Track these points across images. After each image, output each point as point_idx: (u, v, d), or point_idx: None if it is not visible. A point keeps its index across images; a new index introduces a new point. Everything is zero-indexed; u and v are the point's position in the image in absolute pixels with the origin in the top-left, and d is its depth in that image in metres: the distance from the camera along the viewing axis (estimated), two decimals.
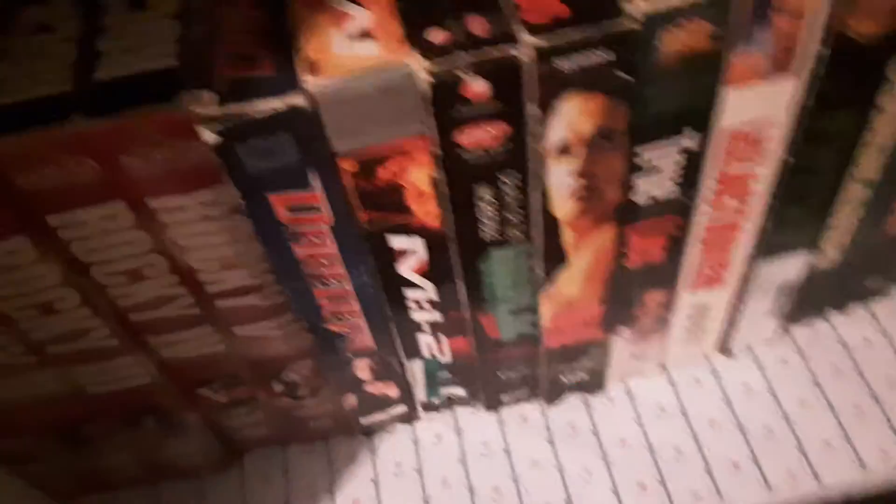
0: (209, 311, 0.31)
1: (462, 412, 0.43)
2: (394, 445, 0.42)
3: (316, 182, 0.26)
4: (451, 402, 0.41)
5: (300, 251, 0.28)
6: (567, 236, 0.30)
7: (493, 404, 0.42)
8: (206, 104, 0.23)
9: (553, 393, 0.41)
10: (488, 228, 0.29)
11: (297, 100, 0.23)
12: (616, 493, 0.39)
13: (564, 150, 0.26)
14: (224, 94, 0.23)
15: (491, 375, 0.39)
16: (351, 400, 0.39)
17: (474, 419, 0.42)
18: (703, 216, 0.32)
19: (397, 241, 0.29)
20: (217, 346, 0.33)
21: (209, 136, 0.23)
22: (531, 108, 0.25)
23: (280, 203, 0.26)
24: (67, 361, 0.31)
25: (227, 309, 0.31)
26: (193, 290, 0.30)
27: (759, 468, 0.39)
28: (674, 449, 0.40)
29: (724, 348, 0.42)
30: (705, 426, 0.41)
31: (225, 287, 0.30)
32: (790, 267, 0.37)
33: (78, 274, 0.28)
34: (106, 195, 0.25)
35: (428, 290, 0.32)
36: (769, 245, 0.35)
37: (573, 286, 0.33)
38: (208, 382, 0.36)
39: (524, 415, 0.42)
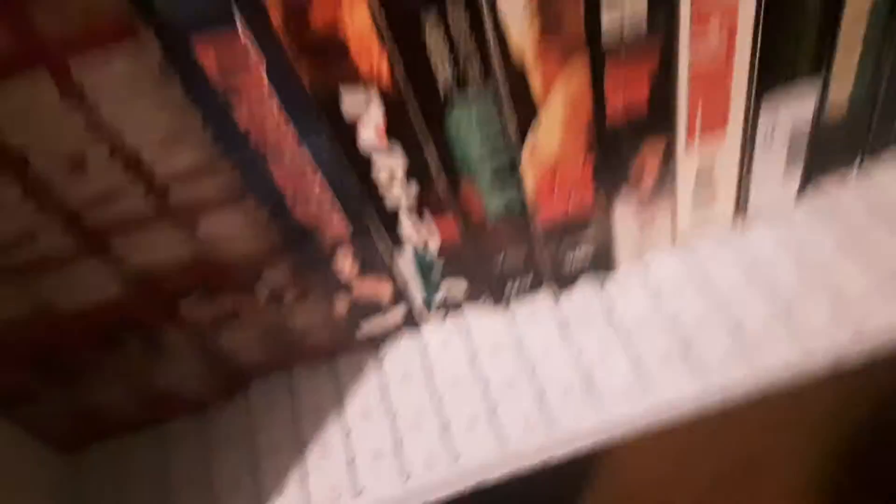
0: (164, 204, 0.29)
1: (468, 312, 0.40)
2: (400, 354, 0.40)
3: (240, 23, 0.23)
4: (454, 301, 0.39)
5: (241, 115, 0.26)
6: (534, 79, 0.27)
7: (498, 297, 0.39)
8: None
9: (560, 276, 0.38)
10: (443, 75, 0.26)
11: None
12: (637, 366, 0.36)
13: None
14: None
15: (487, 263, 0.36)
16: (342, 304, 0.36)
17: (481, 319, 0.40)
18: (685, 43, 0.29)
19: (349, 103, 0.27)
20: (182, 248, 0.32)
21: None
22: None
23: (206, 52, 0.24)
24: (24, 271, 0.30)
25: (182, 201, 0.29)
26: (141, 176, 0.28)
27: (792, 323, 0.36)
28: (694, 317, 0.37)
29: (741, 216, 0.39)
30: (729, 292, 0.37)
31: (172, 170, 0.28)
32: (797, 104, 0.33)
33: (14, 164, 0.26)
34: (25, 61, 0.23)
35: (396, 156, 0.30)
36: (769, 76, 0.31)
37: (552, 141, 0.30)
38: (185, 294, 0.34)
39: (533, 307, 0.40)
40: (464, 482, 0.36)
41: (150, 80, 0.25)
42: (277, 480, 0.37)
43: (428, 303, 0.39)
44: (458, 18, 0.25)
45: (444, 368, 0.39)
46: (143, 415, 0.39)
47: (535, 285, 0.39)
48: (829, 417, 0.51)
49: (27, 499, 0.37)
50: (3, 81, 0.24)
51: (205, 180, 0.29)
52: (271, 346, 0.39)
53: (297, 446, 0.38)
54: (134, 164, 0.27)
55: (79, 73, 0.24)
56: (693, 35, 0.28)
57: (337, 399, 0.39)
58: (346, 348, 0.40)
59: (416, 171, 0.30)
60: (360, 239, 0.33)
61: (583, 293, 0.39)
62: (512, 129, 0.29)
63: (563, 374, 0.37)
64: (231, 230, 0.31)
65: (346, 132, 0.28)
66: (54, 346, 0.34)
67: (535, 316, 0.39)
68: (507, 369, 0.38)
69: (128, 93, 0.25)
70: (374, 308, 0.38)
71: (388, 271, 0.36)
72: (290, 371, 0.41)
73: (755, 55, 0.30)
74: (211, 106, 0.25)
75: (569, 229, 0.35)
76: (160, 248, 0.31)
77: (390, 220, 0.33)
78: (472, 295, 0.39)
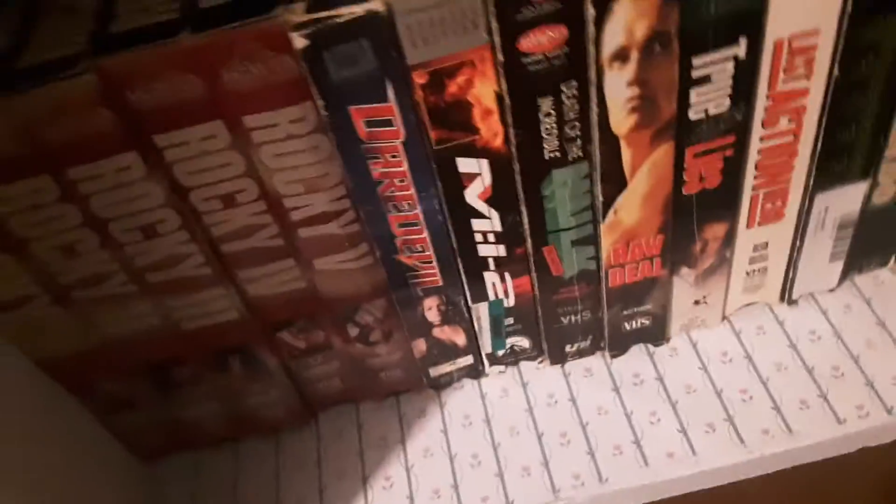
0: (292, 241, 0.34)
1: (526, 367, 0.44)
2: (461, 399, 0.43)
3: (391, 94, 0.28)
4: (515, 354, 0.43)
5: (376, 169, 0.31)
6: (625, 155, 0.32)
7: (557, 356, 0.43)
8: (297, 12, 0.25)
9: (616, 342, 0.42)
10: (549, 146, 0.31)
11: (375, 5, 0.25)
12: (684, 432, 0.39)
13: (620, 56, 0.28)
14: (312, 3, 0.26)
15: (553, 320, 0.40)
16: (421, 346, 0.40)
17: (539, 373, 0.43)
18: (757, 136, 0.33)
19: (464, 165, 0.32)
20: (297, 283, 0.36)
21: (299, 40, 0.25)
22: (588, 9, 0.27)
23: (359, 116, 0.28)
24: (164, 291, 0.34)
25: (308, 239, 0.34)
26: (278, 217, 0.33)
27: (829, 404, 0.39)
28: (741, 392, 0.40)
29: (787, 297, 0.43)
30: (771, 370, 0.41)
31: (307, 213, 0.32)
32: (847, 199, 0.38)
33: (179, 197, 0.31)
34: (207, 114, 0.28)
35: (493, 219, 0.34)
36: (825, 174, 0.36)
37: (632, 212, 0.34)
38: (288, 324, 0.38)
39: (588, 367, 0.43)
40: None
41: (308, 133, 0.29)
42: (336, 495, 0.40)
43: (493, 356, 0.42)
44: (571, 103, 0.30)
45: (502, 417, 0.42)
46: (225, 432, 0.43)
47: (592, 349, 0.43)
48: (866, 491, 0.53)
49: (104, 492, 0.40)
50: (187, 128, 0.29)
51: (331, 224, 0.33)
52: (348, 379, 0.42)
53: (361, 476, 0.41)
54: (276, 206, 0.32)
55: (250, 123, 0.29)
56: (764, 130, 0.33)
57: (400, 435, 0.43)
58: (412, 388, 0.44)
59: (507, 231, 0.35)
60: (449, 289, 0.37)
61: (634, 359, 0.43)
62: (599, 198, 0.33)
63: (614, 432, 0.40)
64: (343, 269, 0.35)
65: (455, 192, 0.33)
66: (169, 360, 0.37)
67: (589, 377, 0.43)
68: (562, 423, 0.41)
69: (286, 143, 0.30)
70: (446, 354, 0.41)
71: (467, 322, 0.39)
72: (358, 404, 0.44)
73: (815, 155, 0.34)
74: (355, 158, 0.30)
75: (631, 298, 0.39)
76: (278, 282, 0.35)
77: (476, 276, 0.37)
78: (534, 352, 0.43)
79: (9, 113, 0.26)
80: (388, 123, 0.29)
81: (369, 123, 0.29)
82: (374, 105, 0.28)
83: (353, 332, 0.39)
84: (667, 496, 0.38)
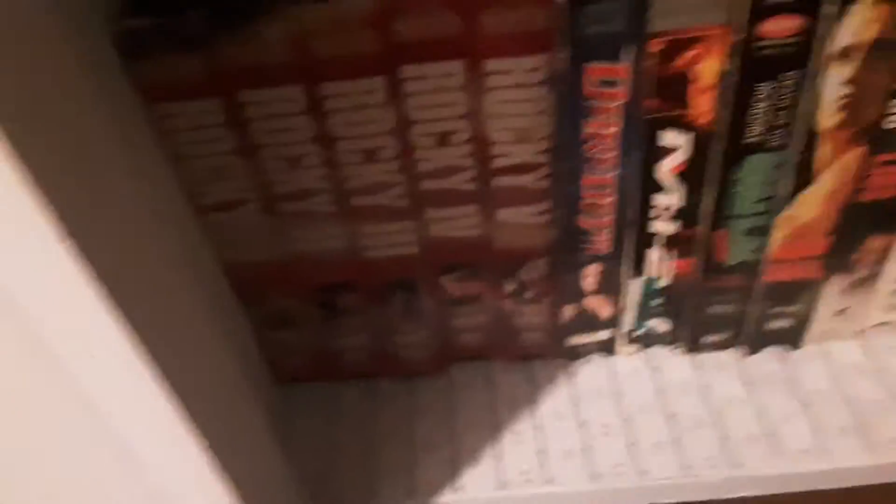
0: (484, 188, 0.36)
1: (658, 352, 0.45)
2: (593, 373, 0.45)
3: (628, 57, 0.30)
4: (650, 336, 0.44)
5: (588, 127, 0.33)
6: (821, 151, 0.33)
7: (693, 345, 0.44)
8: None
9: (754, 339, 0.43)
10: (753, 130, 0.33)
11: None
12: (816, 432, 0.40)
13: (844, 54, 0.30)
14: None
15: (702, 308, 0.42)
16: (568, 312, 0.42)
17: (670, 360, 0.45)
18: None
19: (667, 137, 0.34)
20: (474, 230, 0.38)
21: None
22: (828, 5, 0.28)
23: (592, 73, 0.31)
24: (361, 216, 0.36)
25: (500, 188, 0.36)
26: (479, 162, 0.35)
27: None
28: (871, 402, 0.41)
29: None
30: None
31: (507, 163, 0.35)
32: None
33: (401, 128, 0.33)
34: (454, 52, 0.31)
35: (677, 195, 0.36)
36: None
37: (811, 209, 0.36)
38: (452, 269, 0.40)
39: (720, 361, 0.44)
40: (648, 497, 0.40)
41: (535, 84, 0.32)
42: (473, 453, 0.42)
43: (629, 335, 0.44)
44: (787, 91, 0.31)
45: (633, 394, 0.44)
46: (364, 368, 0.45)
47: (727, 343, 0.44)
48: None
49: (246, 405, 0.42)
50: (431, 63, 0.31)
51: (525, 176, 0.35)
52: (488, 335, 0.44)
53: (491, 428, 0.43)
54: (481, 151, 0.34)
55: (489, 67, 0.31)
56: None
57: (531, 397, 0.44)
58: (546, 354, 0.45)
59: (686, 210, 0.36)
60: (612, 260, 0.39)
61: (768, 359, 0.44)
62: (783, 189, 0.35)
63: (747, 425, 0.41)
64: (521, 223, 0.37)
65: (650, 163, 0.35)
66: (341, 285, 0.40)
67: (722, 369, 0.44)
68: (694, 409, 0.42)
69: (513, 91, 0.32)
70: (589, 325, 0.43)
71: (618, 294, 0.41)
72: (490, 361, 0.46)
73: None
74: (571, 114, 0.32)
75: (782, 296, 0.41)
76: (459, 226, 0.38)
77: (642, 250, 0.39)
78: (669, 337, 0.44)
79: (292, 21, 0.29)
80: (615, 84, 0.31)
81: (598, 82, 0.31)
82: (609, 64, 0.30)
83: (510, 287, 0.41)
84: (798, 490, 0.39)
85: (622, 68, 0.31)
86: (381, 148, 0.34)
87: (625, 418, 0.42)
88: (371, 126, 0.33)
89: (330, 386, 0.47)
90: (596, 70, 0.31)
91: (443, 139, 0.34)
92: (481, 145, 0.34)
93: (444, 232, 0.38)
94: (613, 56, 0.30)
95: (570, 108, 0.32)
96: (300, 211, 0.36)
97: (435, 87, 0.32)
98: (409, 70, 0.31)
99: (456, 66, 0.31)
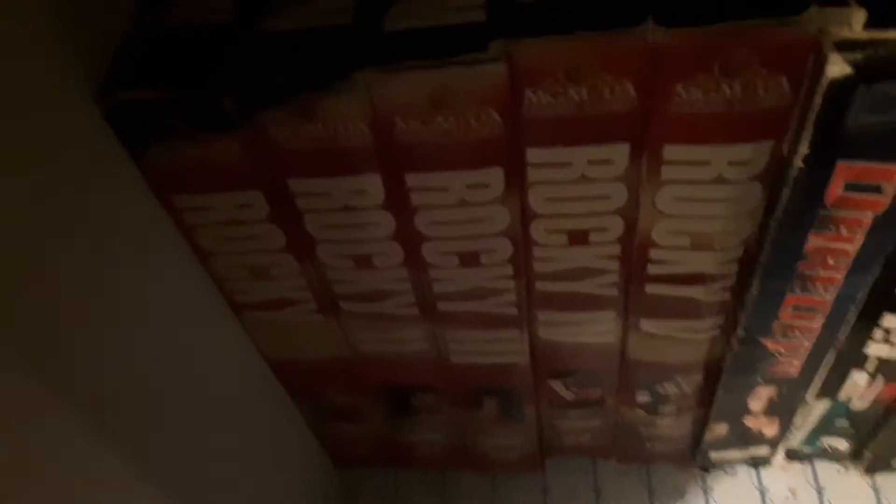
0: (628, 295, 0.25)
1: (825, 468, 0.35)
2: (733, 489, 0.35)
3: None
4: (818, 454, 0.34)
5: (814, 242, 0.21)
6: None
7: (875, 466, 0.33)
8: (847, 22, 0.16)
9: None
10: None
11: None
12: None
13: None
14: (872, 14, 0.16)
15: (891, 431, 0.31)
16: (720, 430, 0.32)
17: (840, 479, 0.34)
18: None
19: None
20: (605, 338, 0.27)
21: (839, 64, 0.16)
22: None
23: (844, 174, 0.19)
24: (449, 321, 0.26)
25: (651, 297, 0.25)
26: (628, 266, 0.24)
27: None
28: None
29: None
30: None
31: (671, 270, 0.24)
32: None
33: (522, 223, 0.22)
34: (613, 132, 0.19)
35: None
36: None
37: None
38: (566, 375, 0.30)
39: None
40: None
41: (742, 180, 0.20)
42: None
43: (793, 451, 0.33)
44: None
45: None
46: (439, 460, 0.36)
47: None
48: None
49: (307, 492, 0.34)
50: (575, 147, 0.20)
51: (695, 288, 0.24)
52: (600, 438, 0.34)
53: None
54: (634, 254, 0.23)
55: (669, 154, 0.20)
56: None
57: None
58: (675, 461, 0.35)
59: None
60: (797, 382, 0.28)
61: None
62: None
63: None
64: (674, 336, 0.27)
65: (890, 283, 0.23)
66: (417, 387, 0.30)
67: None
68: None
69: (702, 190, 0.21)
70: (744, 442, 0.32)
71: (791, 417, 0.30)
72: (595, 460, 0.37)
73: None
74: (792, 227, 0.21)
75: None
76: (585, 332, 0.27)
77: (843, 372, 0.28)
78: (845, 456, 0.33)
79: (380, 94, 0.18)
80: (876, 190, 0.19)
81: (850, 186, 0.19)
82: (874, 164, 0.19)
83: (643, 398, 0.31)
84: None
85: (890, 171, 0.19)
86: (489, 251, 0.23)
87: None
88: (477, 225, 0.22)
89: (396, 473, 0.38)
90: (851, 171, 0.19)
91: (579, 237, 0.23)
92: (634, 247, 0.23)
93: (560, 337, 0.28)
94: (887, 156, 0.18)
95: (798, 216, 0.21)
96: (371, 312, 0.26)
97: (578, 175, 0.21)
98: (538, 154, 0.20)
99: (616, 151, 0.20)
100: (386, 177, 0.20)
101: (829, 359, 0.27)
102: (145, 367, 0.20)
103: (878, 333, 0.25)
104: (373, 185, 0.21)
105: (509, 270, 0.24)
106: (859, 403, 0.29)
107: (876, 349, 0.26)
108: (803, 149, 0.18)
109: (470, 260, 0.23)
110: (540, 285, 0.25)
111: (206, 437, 0.23)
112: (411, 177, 0.20)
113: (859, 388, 0.28)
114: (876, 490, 0.34)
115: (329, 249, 0.23)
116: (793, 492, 0.34)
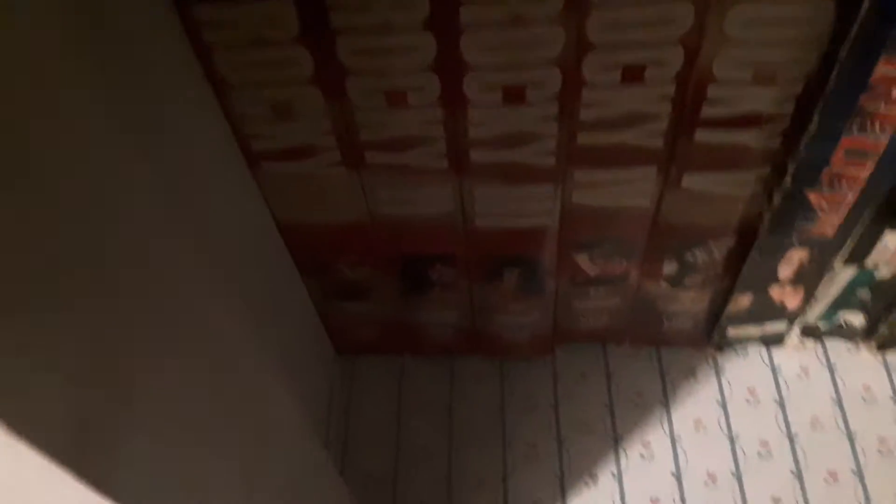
0: (676, 144, 0.24)
1: (836, 347, 0.35)
2: (746, 369, 0.35)
3: None
4: (833, 330, 0.33)
5: (882, 70, 0.20)
6: None
7: (888, 343, 0.33)
8: None
9: None
10: None
11: None
12: None
13: None
14: None
15: None
16: (743, 301, 0.31)
17: (851, 358, 0.34)
18: None
19: None
20: (641, 200, 0.26)
21: None
22: None
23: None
24: (482, 174, 0.25)
25: (700, 146, 0.24)
26: (681, 109, 0.22)
27: None
28: None
29: None
30: None
31: (730, 112, 0.22)
32: None
33: (576, 53, 0.21)
34: None
35: None
36: None
37: None
38: (592, 246, 0.29)
39: None
40: None
41: (805, 4, 0.19)
42: (582, 469, 0.33)
43: (808, 328, 0.33)
44: None
45: (800, 403, 0.33)
46: (447, 344, 0.35)
47: None
48: None
49: (307, 379, 0.33)
50: None
51: (747, 132, 0.23)
52: (618, 319, 0.34)
53: (611, 435, 0.33)
54: (690, 93, 0.22)
55: None
56: None
57: (663, 396, 0.34)
58: (687, 343, 0.35)
59: None
60: (830, 244, 0.27)
61: None
62: None
63: None
64: (713, 192, 0.26)
65: None
66: (437, 257, 0.29)
67: None
68: (880, 426, 0.32)
69: (772, 10, 0.19)
70: (763, 315, 0.32)
71: (815, 285, 0.30)
72: (605, 345, 0.36)
73: None
74: (863, 50, 0.19)
75: None
76: (621, 192, 0.26)
77: (875, 236, 0.27)
78: (858, 334, 0.33)
79: None
80: None
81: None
82: None
83: (670, 268, 0.30)
84: None
85: None
86: (537, 84, 0.21)
87: (791, 435, 0.33)
88: (529, 52, 0.20)
89: (401, 359, 0.37)
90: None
91: (633, 73, 0.21)
92: (691, 85, 0.22)
93: (594, 200, 0.26)
94: None
95: (868, 39, 0.19)
96: (397, 164, 0.24)
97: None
98: None
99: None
100: None
101: (867, 218, 0.26)
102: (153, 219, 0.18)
103: None
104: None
105: (554, 109, 0.22)
106: (885, 270, 0.29)
107: None
108: None
109: (515, 96, 0.22)
110: (582, 137, 0.24)
111: (205, 306, 0.21)
112: None
113: (889, 251, 0.28)
114: (887, 367, 0.34)
115: (360, 83, 0.21)
116: (804, 370, 0.34)
